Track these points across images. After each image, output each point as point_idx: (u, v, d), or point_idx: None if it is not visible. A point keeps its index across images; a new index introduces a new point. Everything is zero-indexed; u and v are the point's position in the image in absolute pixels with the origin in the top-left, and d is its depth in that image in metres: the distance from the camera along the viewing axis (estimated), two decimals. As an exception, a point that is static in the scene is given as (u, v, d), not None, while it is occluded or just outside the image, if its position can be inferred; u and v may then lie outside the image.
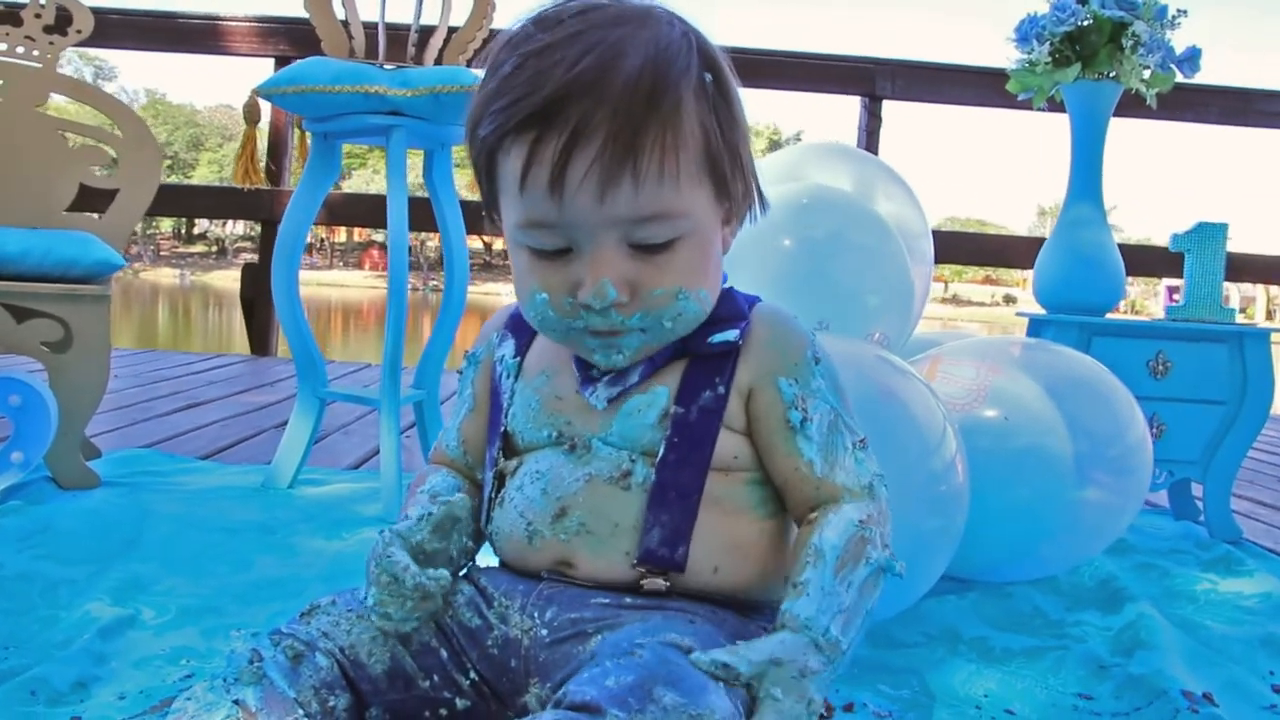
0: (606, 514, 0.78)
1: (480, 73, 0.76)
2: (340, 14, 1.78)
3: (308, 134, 1.81)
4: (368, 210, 4.53)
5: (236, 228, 47.77)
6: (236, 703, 0.68)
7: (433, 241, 40.47)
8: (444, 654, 0.78)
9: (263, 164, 1.93)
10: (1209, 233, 1.88)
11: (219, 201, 5.37)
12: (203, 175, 49.70)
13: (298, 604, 1.12)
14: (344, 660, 0.75)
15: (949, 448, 1.13)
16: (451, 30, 1.86)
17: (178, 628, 1.10)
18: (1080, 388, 1.40)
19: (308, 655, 0.74)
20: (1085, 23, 1.81)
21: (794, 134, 55.85)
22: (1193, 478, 1.88)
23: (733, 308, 0.82)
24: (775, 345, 0.81)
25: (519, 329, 0.87)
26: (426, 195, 1.92)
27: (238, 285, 4.37)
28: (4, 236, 1.64)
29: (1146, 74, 1.84)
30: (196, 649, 1.05)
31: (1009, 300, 49.60)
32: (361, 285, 42.72)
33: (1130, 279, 1.97)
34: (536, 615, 0.77)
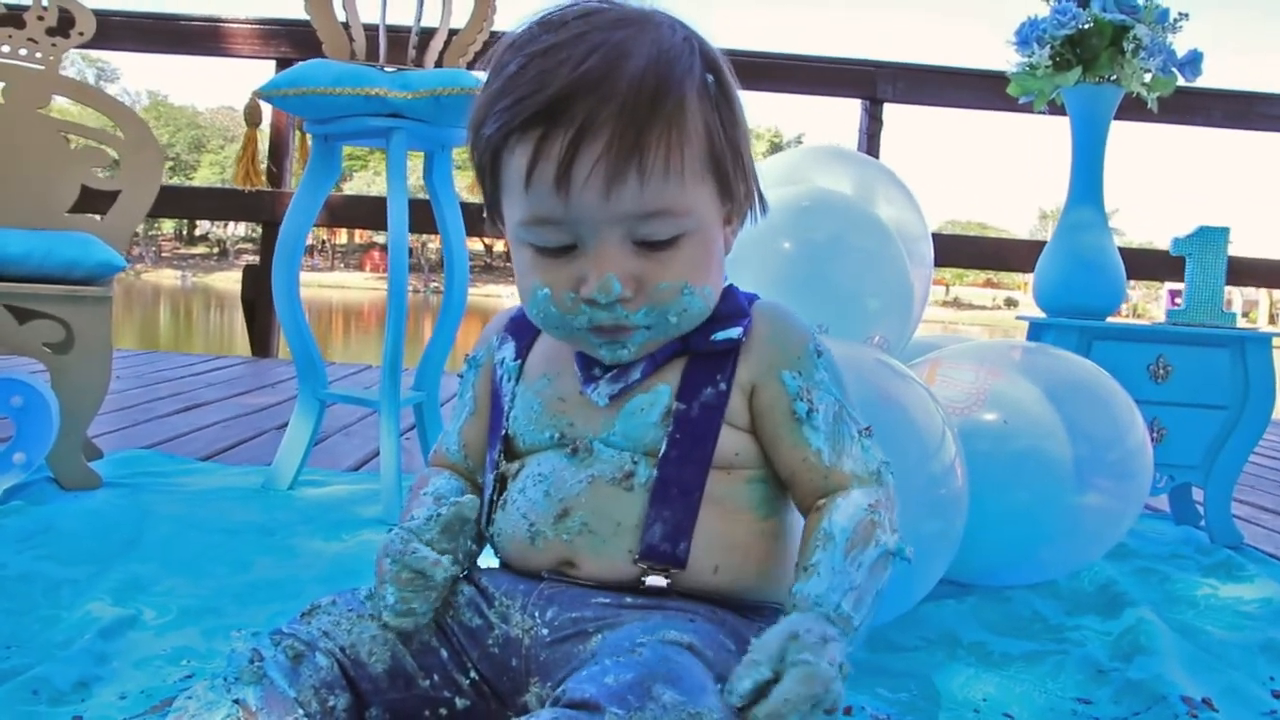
0: (609, 514, 0.78)
1: (481, 75, 0.77)
2: (341, 16, 1.78)
3: (308, 136, 1.81)
4: (368, 212, 4.54)
5: (238, 229, 47.81)
6: (237, 702, 0.69)
7: (433, 243, 40.48)
8: (444, 653, 0.78)
9: (264, 166, 1.93)
10: (1210, 237, 1.88)
11: (220, 203, 5.39)
12: (204, 177, 49.74)
13: (297, 605, 1.12)
14: (344, 660, 0.75)
15: (948, 451, 1.13)
16: (452, 33, 1.87)
17: (178, 628, 1.11)
18: (1080, 391, 1.40)
19: (308, 655, 0.74)
20: (1086, 26, 1.81)
21: (795, 137, 55.88)
22: (1193, 482, 1.88)
23: (734, 305, 0.82)
24: (777, 340, 0.81)
25: (519, 332, 0.88)
26: (426, 197, 1.93)
27: (239, 287, 4.38)
28: (6, 238, 1.64)
29: (1148, 78, 1.84)
30: (197, 649, 1.05)
31: (1010, 303, 49.62)
32: (362, 287, 42.75)
33: (1132, 282, 1.98)
34: (537, 615, 0.78)
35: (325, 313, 20.75)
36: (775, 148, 49.17)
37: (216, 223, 46.39)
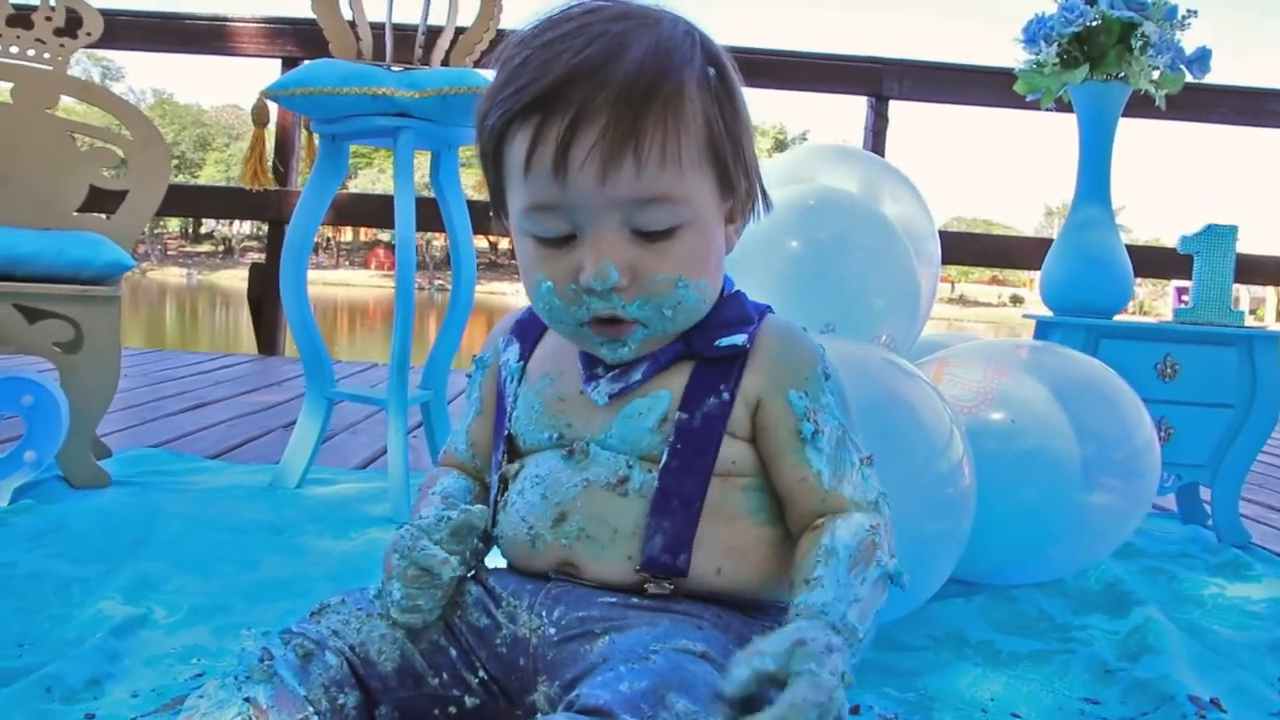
0: (605, 520, 0.78)
1: (488, 74, 0.78)
2: (348, 15, 1.78)
3: (315, 135, 1.82)
4: (374, 210, 4.54)
5: (243, 228, 47.92)
6: (248, 700, 0.69)
7: (438, 241, 40.48)
8: (453, 652, 0.79)
9: (270, 165, 1.94)
10: (1218, 235, 1.88)
11: (227, 202, 5.38)
12: (209, 175, 49.80)
13: (306, 603, 1.13)
14: (354, 658, 0.76)
15: (956, 450, 1.13)
16: (459, 31, 1.87)
17: (188, 626, 1.11)
18: (1087, 390, 1.39)
19: (318, 654, 0.74)
20: (1094, 23, 1.80)
21: (800, 134, 55.78)
22: (1201, 481, 1.87)
23: (740, 312, 0.82)
24: (786, 358, 0.81)
25: (525, 334, 0.89)
26: (432, 196, 1.93)
27: (244, 285, 4.39)
28: (16, 238, 1.65)
29: (1155, 75, 1.83)
30: (207, 648, 1.06)
31: (1016, 301, 49.49)
32: (367, 285, 42.81)
33: (1139, 280, 1.97)
34: (544, 614, 0.78)
35: (330, 311, 20.79)
36: (780, 145, 49.13)
37: (222, 221, 46.49)
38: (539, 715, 0.75)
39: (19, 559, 1.29)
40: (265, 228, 4.39)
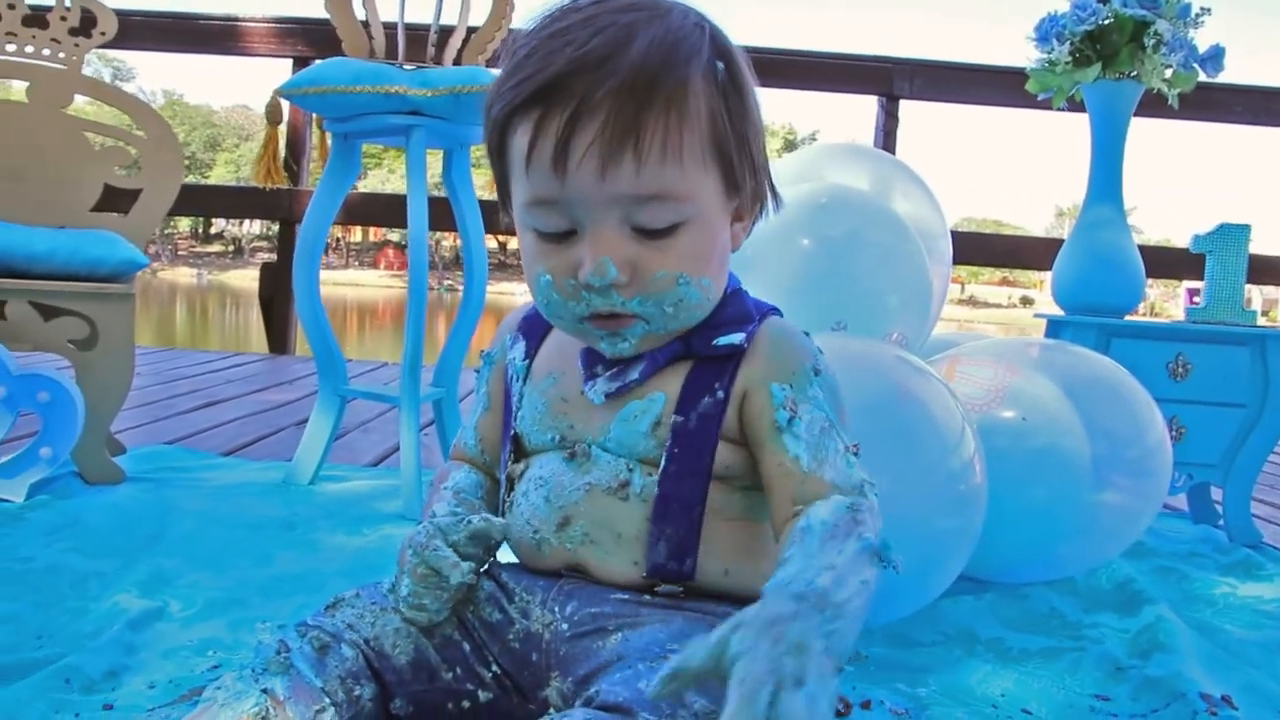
0: (608, 525, 0.78)
1: (499, 73, 0.78)
2: (360, 15, 1.79)
3: (328, 134, 1.82)
4: (384, 210, 4.55)
5: (253, 228, 48.06)
6: (265, 692, 0.70)
7: (447, 241, 40.55)
8: (466, 647, 0.79)
9: (283, 163, 1.95)
10: (1231, 234, 1.87)
11: (238, 201, 5.40)
12: (219, 175, 49.96)
13: (320, 598, 1.14)
14: (369, 651, 0.76)
15: (968, 447, 1.13)
16: (471, 30, 1.87)
17: (204, 619, 1.12)
18: (1099, 389, 1.39)
19: (333, 646, 0.75)
20: (1106, 21, 1.80)
21: (810, 134, 55.70)
22: (1212, 481, 1.87)
23: (741, 310, 0.81)
24: (775, 355, 0.79)
25: (530, 332, 0.88)
26: (443, 195, 1.94)
27: (254, 284, 4.40)
28: (32, 236, 1.67)
29: (1168, 73, 1.82)
30: (223, 640, 1.06)
31: (1026, 302, 49.34)
32: (377, 285, 42.90)
33: (1150, 281, 1.97)
34: (557, 610, 0.78)
35: (340, 310, 20.84)
36: (789, 145, 49.04)
37: (232, 221, 46.64)
38: (553, 710, 0.75)
39: (36, 553, 1.30)
40: (275, 228, 4.41)
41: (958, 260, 1.64)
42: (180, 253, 49.22)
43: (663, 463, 0.77)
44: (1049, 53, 1.86)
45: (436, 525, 0.80)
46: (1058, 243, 2.07)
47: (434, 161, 1.94)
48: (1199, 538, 1.84)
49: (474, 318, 1.91)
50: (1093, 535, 1.37)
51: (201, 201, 5.38)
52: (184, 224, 48.86)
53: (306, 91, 1.68)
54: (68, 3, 1.88)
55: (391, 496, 1.74)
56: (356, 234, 48.76)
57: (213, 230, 50.86)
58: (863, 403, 1.11)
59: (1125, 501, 1.37)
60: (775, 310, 0.85)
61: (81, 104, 2.04)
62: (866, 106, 4.43)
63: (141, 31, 4.24)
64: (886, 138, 4.26)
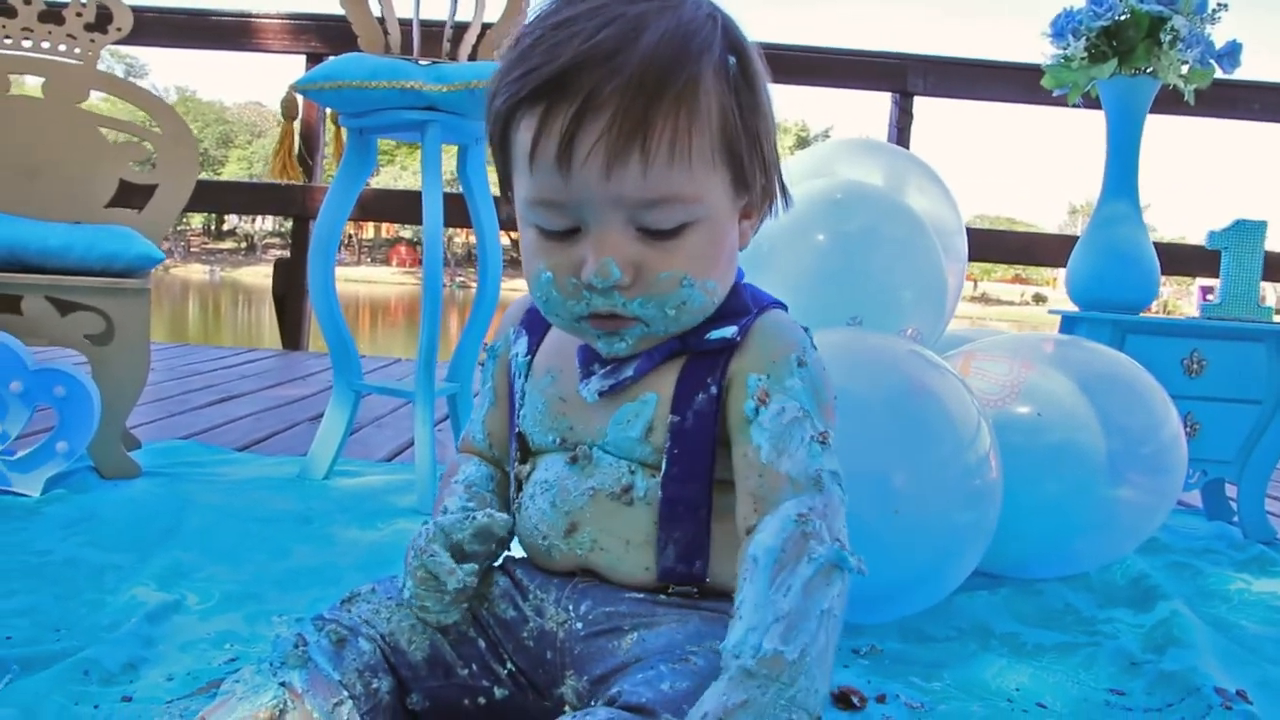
0: (616, 531, 0.77)
1: (503, 60, 0.76)
2: (376, 11, 1.80)
3: (343, 130, 1.83)
4: (397, 206, 4.57)
5: (265, 225, 48.25)
6: (283, 685, 0.70)
7: (459, 238, 40.60)
8: (481, 644, 0.79)
9: (298, 157, 1.95)
10: (1247, 230, 1.86)
11: (251, 198, 5.43)
12: (232, 172, 50.15)
13: (336, 591, 1.14)
14: (385, 646, 0.76)
15: (983, 442, 1.13)
16: (486, 26, 1.88)
17: (221, 613, 1.13)
18: (1114, 385, 1.39)
19: (351, 640, 0.75)
20: (1123, 17, 1.79)
21: (822, 131, 55.56)
22: (1227, 478, 1.86)
23: (738, 304, 0.79)
24: (760, 346, 0.76)
25: (533, 327, 0.87)
26: (457, 191, 1.94)
27: (266, 281, 4.42)
28: (48, 231, 1.68)
29: (1185, 69, 1.82)
30: (240, 633, 1.07)
31: (1038, 299, 49.15)
32: (389, 281, 42.97)
33: (1163, 279, 1.95)
34: (571, 608, 0.78)
35: (352, 307, 20.90)
36: (802, 142, 48.94)
37: (244, 218, 46.85)
38: (568, 709, 0.75)
39: (53, 547, 1.31)
40: (288, 225, 4.42)
41: (971, 257, 1.63)
42: (193, 249, 49.42)
43: (665, 465, 0.76)
44: (1065, 48, 1.85)
45: (439, 526, 0.79)
46: (1071, 239, 2.06)
47: (448, 159, 1.94)
48: (1213, 534, 1.84)
49: (488, 313, 1.92)
50: (1107, 531, 1.36)
51: (214, 198, 5.39)
52: (196, 221, 49.05)
53: (322, 86, 1.69)
54: (84, -1, 1.89)
55: (406, 491, 1.74)
56: (369, 231, 48.91)
57: (225, 227, 51.05)
58: (878, 397, 1.12)
59: (1140, 497, 1.36)
60: (778, 304, 0.82)
61: (96, 100, 2.05)
62: (880, 103, 4.41)
63: (156, 28, 4.25)
64: (900, 134, 4.25)
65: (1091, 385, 1.35)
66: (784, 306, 0.83)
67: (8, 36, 1.84)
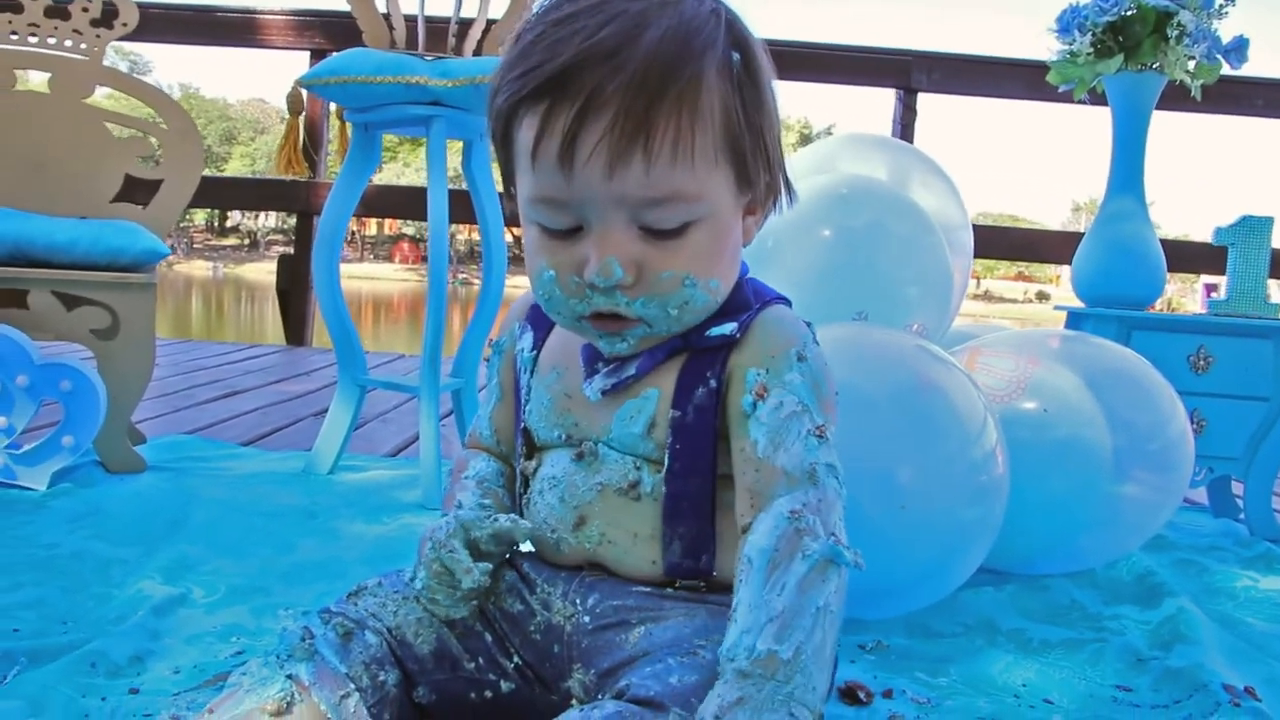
0: (623, 525, 0.78)
1: (505, 57, 0.76)
2: (381, 6, 1.80)
3: (348, 125, 1.83)
4: (401, 202, 4.56)
5: (268, 221, 48.28)
6: (290, 677, 0.70)
7: (461, 235, 40.60)
8: (488, 638, 0.79)
9: (303, 151, 1.95)
10: (1254, 226, 1.86)
11: (254, 194, 5.42)
12: (235, 168, 50.13)
13: (341, 585, 1.14)
14: (391, 639, 0.76)
15: (989, 438, 1.13)
16: (490, 22, 1.88)
17: (227, 606, 1.13)
18: (1120, 381, 1.39)
19: (357, 633, 0.75)
20: (1129, 12, 1.79)
21: (825, 128, 55.49)
22: (1233, 475, 1.86)
23: (739, 300, 0.78)
24: (760, 341, 0.76)
25: (538, 322, 0.87)
26: (460, 187, 1.94)
27: (269, 277, 4.42)
28: (54, 226, 1.68)
29: (1191, 65, 1.81)
30: (246, 627, 1.07)
31: (1042, 297, 49.10)
32: (393, 278, 42.98)
33: (1167, 276, 1.95)
34: (578, 602, 0.78)
35: (355, 304, 20.91)
36: (805, 139, 48.90)
37: (247, 214, 46.84)
38: (575, 703, 0.75)
39: (60, 540, 1.32)
40: (291, 221, 4.42)
41: (975, 253, 1.63)
42: (196, 246, 49.46)
43: (667, 461, 0.76)
44: (1070, 44, 1.85)
45: (460, 521, 0.79)
46: (1075, 236, 2.06)
47: (452, 155, 1.94)
48: (1219, 531, 1.83)
49: (493, 309, 1.92)
50: (1113, 527, 1.36)
51: (217, 194, 5.39)
52: (199, 217, 49.09)
53: (328, 82, 1.69)
54: (89, -6, 1.89)
55: (411, 486, 1.75)
56: (371, 227, 48.94)
57: (228, 224, 51.11)
58: (884, 393, 1.12)
59: (1146, 494, 1.36)
60: (782, 299, 0.82)
61: (101, 95, 2.05)
62: (883, 100, 4.40)
63: (160, 24, 4.25)
64: (904, 130, 4.24)
65: (1098, 381, 1.34)
66: (787, 301, 0.82)
67: (14, 32, 1.85)
